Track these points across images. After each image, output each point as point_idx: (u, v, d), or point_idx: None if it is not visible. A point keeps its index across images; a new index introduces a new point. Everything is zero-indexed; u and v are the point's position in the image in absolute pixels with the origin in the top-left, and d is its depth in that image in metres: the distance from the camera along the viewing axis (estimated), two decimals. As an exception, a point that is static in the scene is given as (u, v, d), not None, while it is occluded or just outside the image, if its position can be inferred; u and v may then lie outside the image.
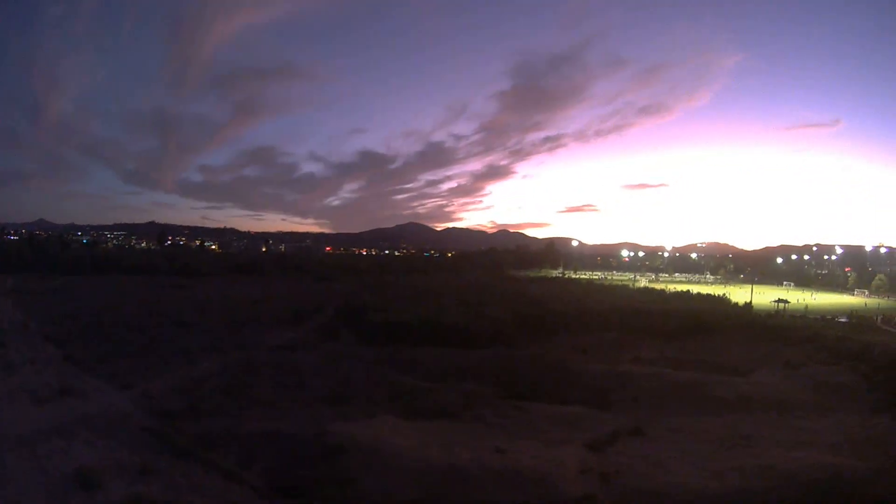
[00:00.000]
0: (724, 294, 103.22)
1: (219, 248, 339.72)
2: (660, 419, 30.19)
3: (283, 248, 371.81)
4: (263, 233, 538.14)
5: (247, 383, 30.86)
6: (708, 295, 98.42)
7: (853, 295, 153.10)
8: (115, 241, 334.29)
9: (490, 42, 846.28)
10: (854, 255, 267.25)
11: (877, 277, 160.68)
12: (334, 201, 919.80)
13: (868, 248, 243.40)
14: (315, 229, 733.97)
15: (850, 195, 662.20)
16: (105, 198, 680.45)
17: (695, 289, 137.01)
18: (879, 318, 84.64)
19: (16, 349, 35.44)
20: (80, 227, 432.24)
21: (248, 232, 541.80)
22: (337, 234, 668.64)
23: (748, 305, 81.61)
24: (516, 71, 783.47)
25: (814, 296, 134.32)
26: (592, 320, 61.79)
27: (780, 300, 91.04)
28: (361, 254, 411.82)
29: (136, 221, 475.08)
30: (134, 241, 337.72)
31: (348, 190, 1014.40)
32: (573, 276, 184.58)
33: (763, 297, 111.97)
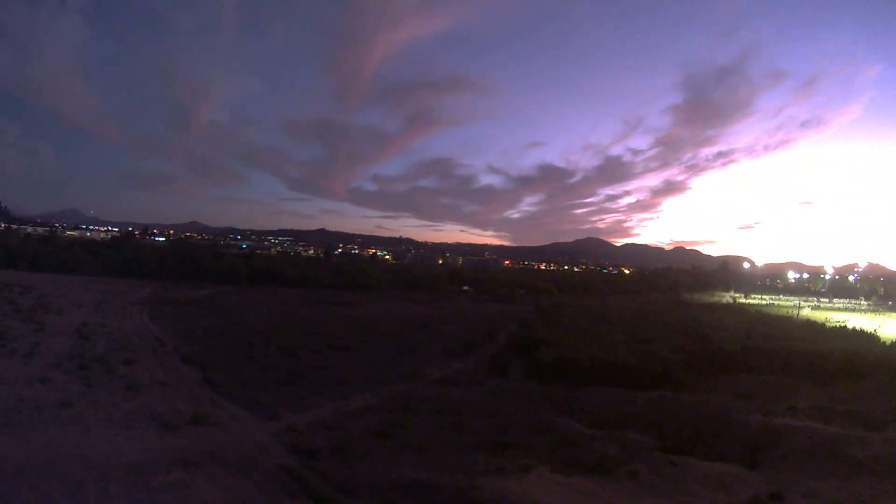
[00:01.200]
0: (875, 329, 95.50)
1: (392, 257, 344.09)
2: (802, 481, 28.28)
3: (460, 260, 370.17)
4: (441, 243, 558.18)
5: (402, 422, 29.01)
6: (861, 331, 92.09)
7: None
8: (279, 247, 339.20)
9: (658, 53, 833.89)
10: None
11: None
12: (514, 214, 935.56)
13: None
14: (494, 242, 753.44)
15: None
16: (267, 203, 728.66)
17: (850, 318, 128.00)
18: None
19: (145, 368, 35.75)
20: (240, 231, 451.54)
21: (426, 242, 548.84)
22: (517, 247, 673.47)
23: None
24: (686, 84, 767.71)
25: None
26: (757, 360, 59.93)
27: None
28: (540, 269, 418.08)
29: (304, 228, 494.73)
30: (300, 248, 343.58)
31: (528, 203, 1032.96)
32: (742, 301, 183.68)
33: None
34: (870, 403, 46.65)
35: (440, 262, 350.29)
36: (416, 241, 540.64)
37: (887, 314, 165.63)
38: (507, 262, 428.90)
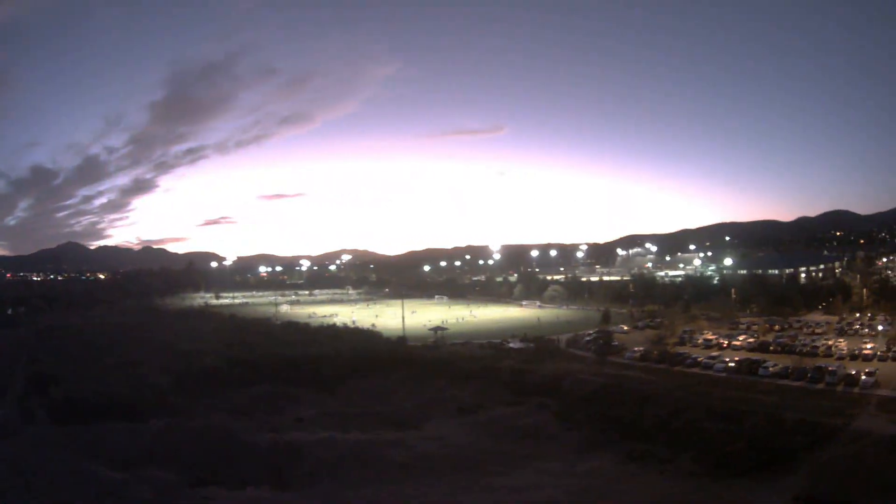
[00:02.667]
0: (374, 325, 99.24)
1: None
2: (344, 494, 29.52)
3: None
4: None
5: None
6: (357, 329, 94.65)
7: (522, 306, 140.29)
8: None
9: (146, 49, 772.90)
10: (514, 254, 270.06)
11: (550, 288, 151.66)
12: (11, 221, 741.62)
13: (534, 252, 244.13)
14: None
15: (509, 198, 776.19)
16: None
17: (339, 310, 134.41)
18: (564, 339, 78.57)
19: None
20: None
21: None
22: (14, 256, 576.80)
23: (402, 339, 79.34)
24: (169, 80, 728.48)
25: (473, 312, 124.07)
26: (245, 373, 59.75)
27: (437, 328, 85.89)
28: (32, 280, 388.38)
29: None
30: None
31: (21, 208, 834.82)
32: (214, 302, 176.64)
33: (417, 317, 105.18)
34: (387, 403, 49.27)
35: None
36: None
37: (382, 303, 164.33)
38: (9, 275, 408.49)
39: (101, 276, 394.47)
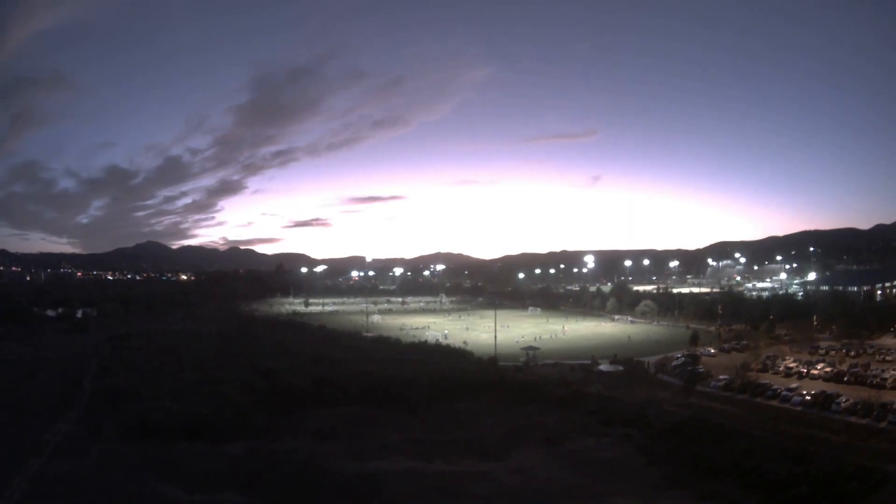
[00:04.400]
0: (465, 342, 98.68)
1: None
2: None
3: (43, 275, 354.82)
4: (27, 254, 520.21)
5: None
6: (448, 347, 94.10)
7: (614, 321, 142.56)
8: None
9: (228, 53, 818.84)
10: (607, 261, 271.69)
11: (642, 303, 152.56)
12: (83, 219, 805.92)
13: (627, 262, 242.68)
14: (68, 249, 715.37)
15: (602, 203, 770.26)
16: None
17: (431, 321, 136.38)
18: (654, 362, 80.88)
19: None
20: None
21: (17, 253, 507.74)
22: (86, 254, 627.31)
23: (494, 361, 79.40)
24: (253, 84, 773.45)
25: (565, 327, 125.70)
26: (332, 393, 59.23)
27: (529, 348, 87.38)
28: (107, 278, 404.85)
29: None
30: None
31: (95, 207, 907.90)
32: (304, 311, 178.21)
33: (509, 332, 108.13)
34: (472, 429, 48.12)
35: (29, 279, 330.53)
36: (11, 253, 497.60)
37: (476, 314, 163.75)
38: (80, 274, 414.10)
39: (184, 277, 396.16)
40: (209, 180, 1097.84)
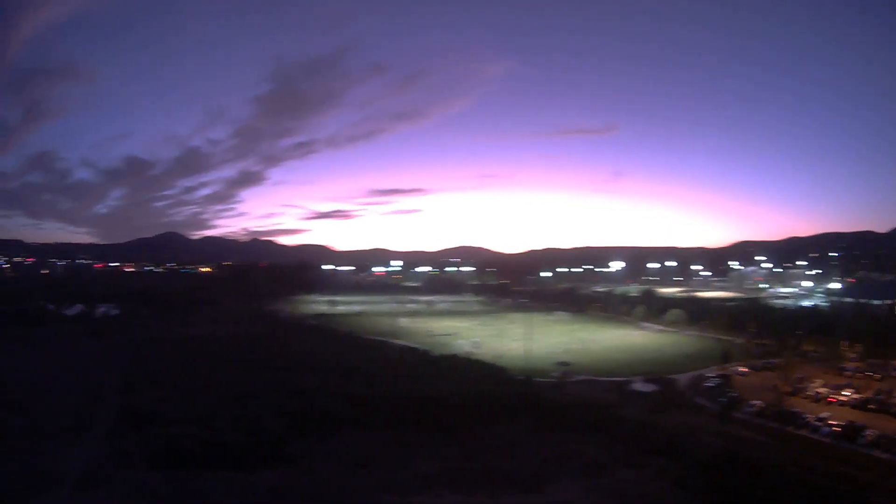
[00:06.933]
0: (499, 357, 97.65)
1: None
2: None
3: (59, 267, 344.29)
4: (44, 244, 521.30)
5: None
6: (480, 362, 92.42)
7: (642, 329, 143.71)
8: None
9: (249, 44, 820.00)
10: (631, 258, 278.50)
11: (670, 312, 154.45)
12: (102, 209, 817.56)
13: (650, 264, 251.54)
14: (86, 240, 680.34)
15: (625, 198, 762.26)
16: None
17: (459, 325, 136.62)
18: (686, 380, 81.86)
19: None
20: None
21: (34, 244, 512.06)
22: (105, 244, 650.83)
23: (528, 380, 78.78)
24: (274, 75, 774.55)
25: (594, 336, 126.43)
26: (365, 415, 57.72)
27: (562, 363, 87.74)
28: (127, 271, 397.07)
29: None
30: None
31: (114, 197, 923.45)
32: (330, 312, 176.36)
33: (538, 341, 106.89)
34: (508, 456, 47.34)
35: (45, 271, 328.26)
36: (27, 244, 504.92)
37: (504, 317, 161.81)
38: (97, 265, 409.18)
39: (203, 269, 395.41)
40: (229, 171, 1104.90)
